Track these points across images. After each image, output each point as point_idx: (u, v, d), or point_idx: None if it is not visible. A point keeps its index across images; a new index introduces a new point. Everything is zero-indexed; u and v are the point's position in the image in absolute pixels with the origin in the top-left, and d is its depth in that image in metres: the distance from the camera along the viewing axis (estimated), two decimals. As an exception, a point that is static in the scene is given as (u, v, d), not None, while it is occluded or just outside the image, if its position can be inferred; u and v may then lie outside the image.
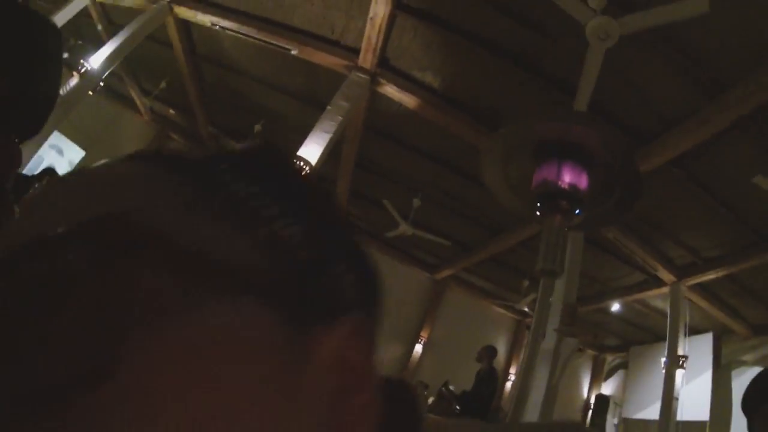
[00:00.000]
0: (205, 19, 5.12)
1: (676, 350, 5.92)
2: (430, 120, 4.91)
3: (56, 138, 8.60)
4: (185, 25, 5.68)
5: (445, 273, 8.67)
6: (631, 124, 4.08)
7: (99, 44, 5.36)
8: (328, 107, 4.52)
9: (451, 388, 5.74)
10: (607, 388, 9.37)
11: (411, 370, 8.28)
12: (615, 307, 7.43)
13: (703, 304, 6.31)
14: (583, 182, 2.36)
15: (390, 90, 4.79)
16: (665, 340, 6.12)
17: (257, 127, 6.25)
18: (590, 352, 9.65)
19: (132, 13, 5.37)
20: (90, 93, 4.94)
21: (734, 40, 3.17)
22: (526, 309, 7.88)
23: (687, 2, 2.60)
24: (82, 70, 4.70)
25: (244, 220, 0.21)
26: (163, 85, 7.21)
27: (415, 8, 4.06)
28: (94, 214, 0.18)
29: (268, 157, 0.25)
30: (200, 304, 0.18)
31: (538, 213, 2.56)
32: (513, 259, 7.16)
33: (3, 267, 0.17)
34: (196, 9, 5.12)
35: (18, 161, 0.53)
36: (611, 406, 8.23)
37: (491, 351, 5.58)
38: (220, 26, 5.03)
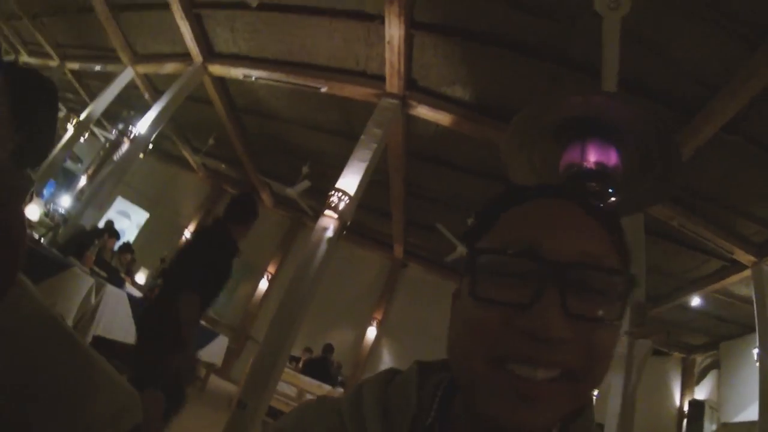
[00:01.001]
0: (237, 72, 5.37)
1: (768, 338, 5.05)
2: (468, 135, 4.73)
3: (121, 203, 9.31)
4: (222, 82, 5.99)
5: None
6: (671, 96, 3.67)
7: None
8: (362, 136, 4.48)
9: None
10: (701, 392, 8.32)
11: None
12: (695, 301, 6.59)
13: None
14: (611, 159, 2.06)
15: (423, 111, 4.69)
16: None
17: (305, 169, 6.37)
18: (677, 354, 8.68)
19: (173, 78, 5.76)
20: (141, 156, 5.26)
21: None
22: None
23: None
24: (131, 136, 5.03)
25: None
26: (211, 141, 7.61)
27: (428, 24, 3.98)
28: None
29: None
30: None
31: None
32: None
33: None
34: (228, 64, 5.40)
35: (29, 187, 0.67)
36: (707, 411, 7.40)
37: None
38: (252, 77, 5.23)
